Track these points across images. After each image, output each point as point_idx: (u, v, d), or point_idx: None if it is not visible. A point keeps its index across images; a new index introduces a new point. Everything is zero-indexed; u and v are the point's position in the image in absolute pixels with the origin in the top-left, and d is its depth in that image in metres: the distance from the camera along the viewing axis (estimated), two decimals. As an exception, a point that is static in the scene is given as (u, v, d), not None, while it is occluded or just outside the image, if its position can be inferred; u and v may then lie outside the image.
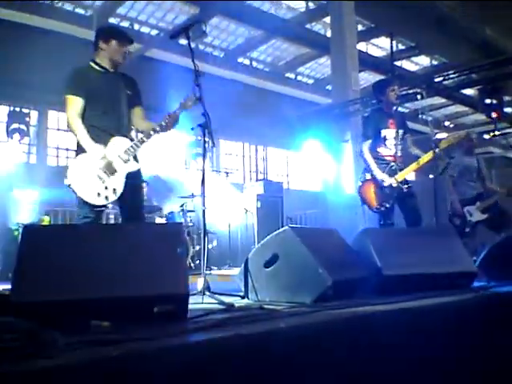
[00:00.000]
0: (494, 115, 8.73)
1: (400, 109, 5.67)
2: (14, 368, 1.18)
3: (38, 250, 1.84)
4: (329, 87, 13.70)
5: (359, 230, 3.18)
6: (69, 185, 3.00)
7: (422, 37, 12.59)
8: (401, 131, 4.58)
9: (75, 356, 1.30)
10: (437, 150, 4.33)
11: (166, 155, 10.58)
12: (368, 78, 14.82)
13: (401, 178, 4.39)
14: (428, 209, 4.47)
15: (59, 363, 1.23)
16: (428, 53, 14.51)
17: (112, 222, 6.80)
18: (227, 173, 10.20)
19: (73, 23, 10.33)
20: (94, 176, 3.04)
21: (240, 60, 13.90)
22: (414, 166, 4.46)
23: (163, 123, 3.18)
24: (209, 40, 12.83)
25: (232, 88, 12.66)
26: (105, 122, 3.16)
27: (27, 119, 8.92)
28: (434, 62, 15.09)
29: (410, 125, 4.85)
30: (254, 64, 14.35)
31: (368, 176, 4.48)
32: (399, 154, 4.55)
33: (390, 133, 4.53)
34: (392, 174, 4.41)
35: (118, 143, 3.15)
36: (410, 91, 9.42)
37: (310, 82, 15.67)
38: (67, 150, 11.12)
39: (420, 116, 12.83)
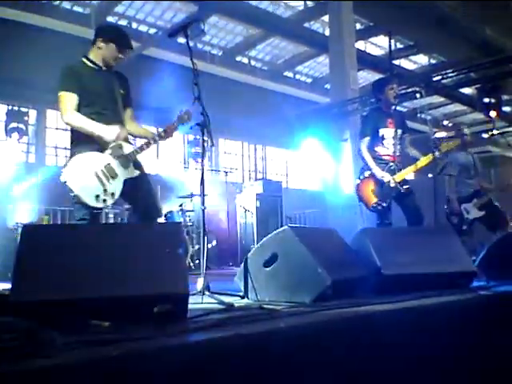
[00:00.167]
0: (492, 114, 8.74)
1: (399, 108, 5.67)
2: (13, 367, 1.17)
3: (38, 249, 1.84)
4: (327, 86, 13.72)
5: (358, 229, 3.18)
6: (64, 182, 2.92)
7: (421, 36, 12.60)
8: (399, 131, 4.57)
9: (74, 356, 1.30)
10: (436, 154, 4.33)
11: (165, 154, 10.58)
12: (367, 77, 14.83)
13: (399, 179, 4.38)
14: (427, 208, 4.47)
15: (58, 363, 1.23)
16: (426, 52, 14.52)
17: (111, 221, 6.80)
18: (226, 172, 10.20)
19: (71, 22, 10.33)
20: (93, 177, 2.96)
21: (238, 59, 13.90)
22: (412, 167, 4.46)
23: (162, 134, 3.17)
24: (207, 38, 12.83)
25: (230, 87, 12.66)
26: (103, 120, 3.08)
27: (26, 118, 8.91)
28: (433, 61, 15.11)
29: (409, 124, 4.85)
30: (253, 63, 14.35)
31: (367, 174, 4.48)
32: (398, 153, 4.54)
33: (388, 132, 4.52)
34: (391, 173, 4.41)
35: (121, 147, 3.09)
36: (409, 90, 9.44)
37: (309, 80, 15.68)
38: (66, 149, 11.12)
39: (419, 115, 12.84)
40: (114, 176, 3.01)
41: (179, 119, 3.30)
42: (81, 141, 3.04)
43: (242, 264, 2.77)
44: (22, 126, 8.73)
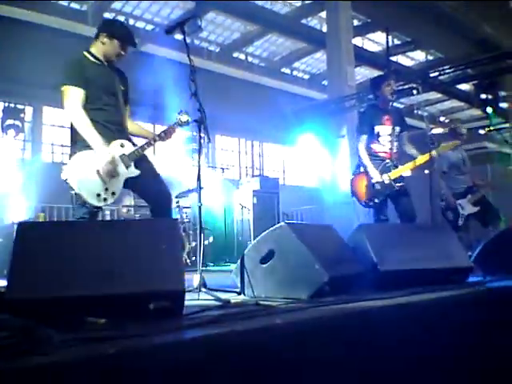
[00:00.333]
0: (489, 110, 8.76)
1: (397, 105, 5.67)
2: (9, 365, 1.17)
3: (33, 246, 1.84)
4: (325, 82, 13.72)
5: (355, 226, 3.18)
6: (65, 179, 2.89)
7: (418, 32, 12.60)
8: (397, 128, 4.56)
9: (70, 353, 1.29)
10: (434, 153, 4.33)
11: (162, 151, 10.57)
12: (364, 73, 14.83)
13: (394, 176, 4.39)
14: (423, 204, 4.48)
15: (54, 360, 1.23)
16: (424, 48, 14.52)
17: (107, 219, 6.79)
18: (223, 168, 10.19)
19: (68, 18, 10.29)
20: (95, 176, 2.93)
21: (236, 55, 13.88)
22: (409, 165, 4.46)
23: (162, 135, 3.16)
24: (204, 35, 12.81)
25: (228, 83, 12.64)
26: (106, 116, 3.05)
27: (22, 115, 8.87)
28: (430, 57, 15.11)
29: (406, 120, 4.84)
30: (250, 59, 14.33)
31: (362, 169, 4.49)
32: (395, 150, 4.54)
33: (384, 129, 4.52)
34: (386, 171, 4.40)
35: (123, 146, 3.07)
36: (406, 86, 9.43)
37: (306, 77, 15.67)
38: (62, 146, 11.09)
39: (415, 111, 12.84)
40: (114, 175, 2.98)
41: (178, 121, 3.30)
42: (82, 138, 3.00)
43: (239, 260, 2.77)
44: (18, 122, 8.70)
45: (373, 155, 4.47)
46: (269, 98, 12.60)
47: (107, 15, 11.37)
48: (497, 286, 2.87)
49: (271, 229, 2.71)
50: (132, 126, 3.34)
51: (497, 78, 9.00)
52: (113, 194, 2.99)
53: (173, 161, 10.57)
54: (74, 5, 10.80)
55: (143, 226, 2.25)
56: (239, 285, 2.74)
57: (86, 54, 3.17)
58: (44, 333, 1.36)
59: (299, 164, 13.61)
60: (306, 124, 10.85)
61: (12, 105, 8.92)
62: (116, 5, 11.36)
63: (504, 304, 2.63)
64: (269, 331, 1.70)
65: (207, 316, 1.89)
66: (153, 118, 9.82)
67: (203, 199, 3.04)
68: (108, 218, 6.91)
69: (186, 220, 7.73)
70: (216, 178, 9.80)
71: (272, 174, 14.19)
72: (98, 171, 2.94)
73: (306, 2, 12.19)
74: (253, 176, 12.73)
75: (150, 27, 12.10)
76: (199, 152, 3.04)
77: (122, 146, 3.08)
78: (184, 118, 3.26)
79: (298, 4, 12.35)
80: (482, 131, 11.42)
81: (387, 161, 4.45)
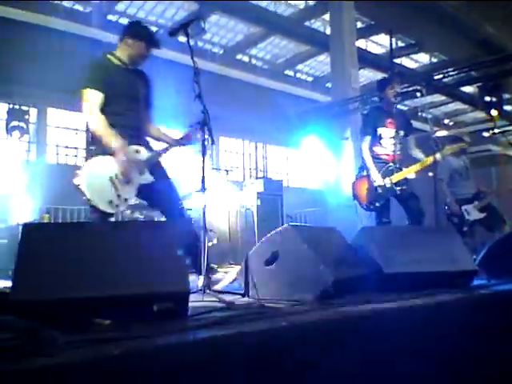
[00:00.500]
0: (493, 113, 8.73)
1: (402, 107, 5.67)
2: (14, 366, 1.17)
3: (38, 247, 1.84)
4: (328, 85, 13.72)
5: (359, 228, 3.18)
6: (78, 185, 2.88)
7: (422, 34, 12.59)
8: (401, 132, 4.56)
9: (75, 354, 1.29)
10: (438, 156, 4.32)
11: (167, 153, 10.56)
12: (368, 76, 14.83)
13: (396, 179, 4.38)
14: (428, 207, 4.47)
15: (59, 362, 1.23)
16: (428, 50, 14.50)
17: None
18: (227, 170, 10.18)
19: (72, 20, 10.32)
20: (107, 182, 2.92)
21: (239, 57, 13.90)
22: (413, 168, 4.45)
23: (181, 140, 3.14)
24: (208, 37, 12.83)
25: (231, 85, 12.65)
26: (124, 121, 3.03)
27: (26, 117, 8.90)
28: (434, 60, 15.09)
29: (412, 123, 4.83)
30: (253, 61, 14.35)
31: (364, 173, 4.49)
32: (398, 153, 4.53)
33: (386, 132, 4.51)
34: (388, 174, 4.40)
35: (138, 151, 3.05)
36: (410, 89, 9.42)
37: (310, 79, 15.68)
38: (67, 147, 11.12)
39: (419, 113, 12.81)
40: (128, 181, 2.97)
41: (196, 126, 3.28)
42: (98, 143, 2.99)
43: (243, 262, 2.77)
44: (22, 124, 8.72)
45: (375, 158, 4.46)
46: (272, 100, 12.61)
47: (111, 17, 11.41)
48: (501, 290, 2.86)
49: (275, 231, 2.71)
50: (153, 130, 3.32)
51: (501, 80, 8.98)
52: (125, 200, 2.97)
53: (177, 162, 10.58)
54: (77, 7, 10.83)
55: (147, 227, 2.25)
56: (243, 286, 2.73)
57: (110, 56, 3.17)
58: (48, 334, 1.36)
59: (303, 166, 13.60)
60: (309, 126, 10.85)
61: (17, 106, 8.95)
62: (120, 7, 11.40)
63: (509, 308, 2.62)
64: (273, 333, 1.70)
65: (211, 317, 1.89)
66: (156, 120, 9.82)
67: (207, 201, 3.04)
68: (113, 218, 6.91)
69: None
70: (220, 180, 9.80)
71: (276, 176, 14.18)
72: (110, 178, 2.93)
73: (310, 3, 12.19)
74: (256, 178, 12.72)
75: (153, 29, 12.12)
76: (203, 154, 3.04)
77: (137, 151, 3.06)
78: (197, 125, 3.25)
79: (302, 6, 12.36)
80: (486, 134, 11.39)
81: (390, 164, 4.45)
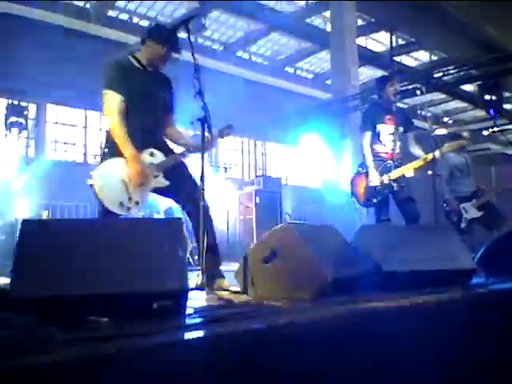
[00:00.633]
0: (493, 111, 8.72)
1: (401, 105, 5.67)
2: (11, 364, 1.17)
3: (37, 244, 1.83)
4: (328, 82, 13.69)
5: (358, 226, 3.18)
6: (91, 185, 2.86)
7: (422, 32, 12.57)
8: (401, 128, 4.56)
9: (72, 352, 1.29)
10: (437, 153, 4.32)
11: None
12: (368, 73, 14.81)
13: (394, 176, 4.38)
14: (427, 205, 4.47)
15: (56, 359, 1.23)
16: (428, 48, 14.48)
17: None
18: (226, 168, 10.19)
19: (71, 16, 10.28)
20: (119, 184, 2.91)
21: (239, 54, 13.87)
22: (411, 165, 4.45)
23: (199, 144, 3.04)
24: (208, 33, 12.79)
25: (231, 82, 12.62)
26: (141, 123, 3.01)
27: (25, 113, 8.89)
28: (434, 58, 15.07)
29: (413, 121, 4.83)
30: (254, 58, 14.32)
31: (362, 170, 4.50)
32: (397, 151, 4.53)
33: (385, 128, 4.51)
34: (386, 171, 4.40)
35: (152, 155, 3.04)
36: (410, 87, 9.41)
37: (310, 76, 15.65)
38: (65, 143, 11.11)
39: (419, 112, 12.82)
40: (140, 184, 2.96)
41: (220, 133, 3.27)
42: (114, 145, 2.98)
43: (242, 260, 2.77)
44: (21, 120, 8.72)
45: (374, 155, 4.46)
46: (272, 98, 12.59)
47: (111, 13, 11.37)
48: (500, 288, 2.86)
49: (274, 228, 2.71)
50: (173, 133, 3.31)
51: (501, 79, 8.97)
52: (137, 203, 2.96)
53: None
54: (77, 3, 10.79)
55: (147, 224, 2.25)
56: (242, 284, 2.73)
57: (131, 58, 3.15)
58: (46, 331, 1.35)
59: (302, 164, 13.60)
60: (309, 124, 10.84)
61: (15, 102, 8.94)
62: (120, 3, 11.37)
63: (507, 306, 2.62)
64: (271, 331, 1.70)
65: (210, 315, 1.89)
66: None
67: (206, 199, 3.03)
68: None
69: (188, 219, 7.73)
70: (219, 178, 9.80)
71: (275, 174, 14.17)
72: (122, 180, 2.92)
73: (310, 1, 12.17)
74: (256, 176, 12.74)
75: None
76: (202, 151, 3.03)
77: (151, 154, 3.05)
78: (226, 130, 3.25)
79: (302, 3, 12.33)
80: (485, 132, 11.40)
81: (388, 161, 4.45)
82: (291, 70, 15.25)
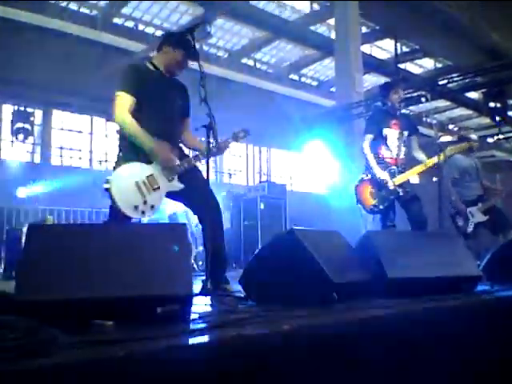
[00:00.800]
0: (498, 118, 8.71)
1: (405, 111, 5.67)
2: (14, 367, 1.17)
3: (43, 249, 1.84)
4: (333, 89, 13.70)
5: (362, 232, 3.17)
6: (107, 189, 2.86)
7: (427, 40, 12.58)
8: (405, 132, 4.56)
9: (76, 355, 1.29)
10: (440, 158, 4.31)
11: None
12: (372, 80, 14.82)
13: (399, 181, 4.37)
14: (432, 212, 4.46)
15: (58, 362, 1.23)
16: (432, 55, 14.49)
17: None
18: (231, 174, 10.20)
19: (77, 23, 10.36)
20: (134, 187, 2.91)
21: (244, 61, 13.92)
22: (415, 170, 4.44)
23: (214, 149, 3.07)
24: (213, 41, 12.85)
25: (236, 89, 12.67)
26: (155, 127, 2.99)
27: (31, 118, 8.96)
28: (439, 65, 15.08)
29: (417, 126, 4.83)
30: (258, 65, 14.37)
31: (365, 176, 4.49)
32: (401, 156, 4.52)
33: (391, 133, 4.50)
34: (390, 176, 4.39)
35: None
36: (415, 94, 9.42)
37: (314, 83, 15.68)
38: (71, 149, 11.16)
39: (424, 119, 12.79)
40: (155, 188, 2.96)
41: (234, 136, 3.29)
42: (129, 149, 2.99)
43: (246, 266, 2.77)
44: (27, 126, 8.78)
45: (379, 160, 4.46)
46: (276, 104, 12.62)
47: (117, 20, 11.45)
48: (505, 296, 2.84)
49: (278, 234, 2.71)
50: (188, 137, 3.33)
51: (506, 86, 8.96)
52: (152, 207, 2.96)
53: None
54: (84, 10, 10.87)
55: (151, 229, 2.26)
56: (246, 290, 2.73)
57: (147, 63, 3.18)
58: (49, 334, 1.36)
59: (307, 170, 13.60)
60: (313, 130, 10.85)
61: (22, 108, 9.00)
62: (126, 10, 11.44)
63: (512, 313, 2.61)
64: (275, 337, 1.69)
65: (214, 320, 1.89)
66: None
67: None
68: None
69: (193, 225, 7.75)
70: (224, 184, 9.81)
71: (279, 180, 14.18)
72: (136, 183, 2.92)
73: (315, 7, 12.21)
74: (260, 182, 12.75)
75: (159, 33, 12.16)
76: (207, 157, 3.04)
77: None
78: (241, 134, 3.27)
79: (307, 11, 12.38)
80: (490, 140, 11.36)
81: (392, 167, 4.44)
82: (296, 77, 15.28)
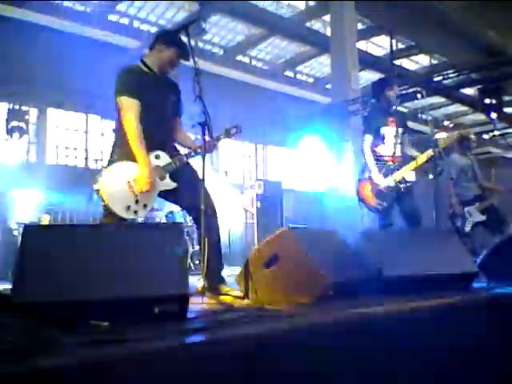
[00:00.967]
0: (493, 115, 8.74)
1: (401, 109, 5.68)
2: (14, 369, 1.17)
3: (39, 249, 1.84)
4: (328, 86, 13.70)
5: (359, 230, 3.18)
6: (97, 190, 2.86)
7: (423, 36, 12.59)
8: (401, 129, 4.56)
9: (74, 356, 1.29)
10: (436, 150, 4.32)
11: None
12: (368, 77, 14.80)
13: (399, 178, 4.38)
14: (428, 210, 4.47)
15: (57, 363, 1.23)
16: (428, 52, 14.50)
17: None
18: (226, 172, 10.18)
19: (72, 20, 10.30)
20: (125, 187, 2.90)
21: (239, 58, 13.88)
22: (412, 165, 4.45)
23: (205, 146, 3.04)
24: (208, 37, 12.80)
25: (231, 86, 12.64)
26: (148, 126, 2.99)
27: (27, 117, 8.91)
28: (434, 62, 15.09)
29: (410, 124, 4.84)
30: (254, 62, 14.33)
31: (367, 174, 4.48)
32: (398, 153, 4.53)
33: (389, 131, 4.50)
34: (389, 173, 4.40)
35: (158, 157, 3.04)
36: (410, 90, 9.43)
37: (310, 80, 15.66)
38: (66, 148, 11.11)
39: (420, 115, 12.82)
40: (147, 190, 2.93)
41: (226, 132, 3.28)
42: (123, 150, 2.98)
43: (243, 264, 2.77)
44: (22, 124, 8.73)
45: (377, 158, 4.46)
46: (272, 101, 12.59)
47: (112, 17, 11.39)
48: (501, 293, 2.85)
49: (275, 233, 2.71)
50: (182, 136, 3.32)
51: (501, 82, 8.98)
52: (144, 206, 2.94)
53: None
54: (78, 7, 10.81)
55: (147, 229, 2.25)
56: (243, 289, 2.73)
57: (140, 64, 3.17)
58: (48, 336, 1.35)
59: (303, 168, 13.60)
60: (309, 127, 10.85)
61: (16, 106, 8.95)
62: (121, 7, 11.39)
63: (508, 310, 2.62)
64: (272, 336, 1.69)
65: (211, 320, 1.89)
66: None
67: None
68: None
69: (189, 224, 7.74)
70: (219, 182, 9.80)
71: (276, 178, 14.16)
72: (128, 182, 2.91)
73: (311, 4, 12.19)
74: (256, 180, 12.73)
75: (154, 29, 12.11)
76: (203, 155, 3.03)
77: (156, 157, 3.04)
78: (233, 130, 3.26)
79: (303, 7, 12.35)
80: (486, 136, 11.39)
81: (389, 164, 4.45)
82: (291, 74, 15.25)
